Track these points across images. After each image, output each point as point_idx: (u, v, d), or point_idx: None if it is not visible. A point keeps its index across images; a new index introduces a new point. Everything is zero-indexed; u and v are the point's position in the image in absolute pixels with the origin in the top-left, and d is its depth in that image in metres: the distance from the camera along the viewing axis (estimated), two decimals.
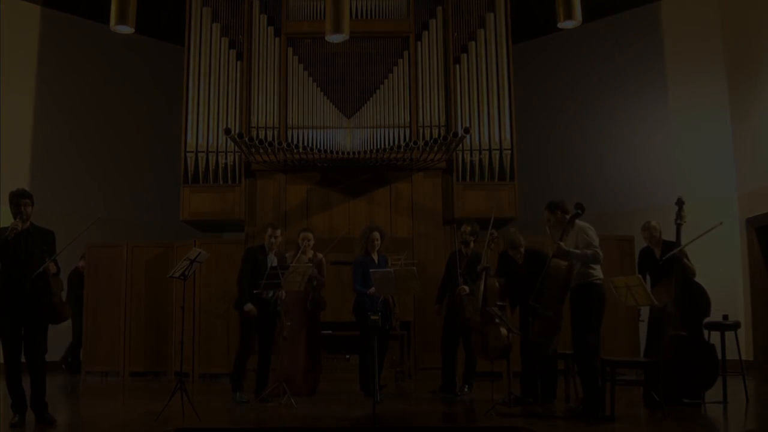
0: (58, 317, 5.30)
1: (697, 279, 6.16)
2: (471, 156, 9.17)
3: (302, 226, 8.63)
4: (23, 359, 5.24)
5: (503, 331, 6.01)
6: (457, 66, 9.39)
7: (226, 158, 9.16)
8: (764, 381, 8.11)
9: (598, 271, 5.49)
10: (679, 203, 6.20)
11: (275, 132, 9.15)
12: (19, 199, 5.31)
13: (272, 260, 6.66)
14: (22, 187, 5.51)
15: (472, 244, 7.12)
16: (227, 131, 8.49)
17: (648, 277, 6.33)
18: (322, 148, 8.96)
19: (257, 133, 9.08)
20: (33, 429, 5.04)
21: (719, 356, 6.08)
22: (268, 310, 6.56)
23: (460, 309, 6.77)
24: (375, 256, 7.02)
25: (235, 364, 6.57)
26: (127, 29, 6.04)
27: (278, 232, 6.75)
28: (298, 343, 6.92)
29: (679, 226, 6.15)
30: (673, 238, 6.19)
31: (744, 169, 9.44)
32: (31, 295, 5.15)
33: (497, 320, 6.00)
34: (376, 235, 7.05)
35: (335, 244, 6.97)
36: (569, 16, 5.90)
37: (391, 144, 9.03)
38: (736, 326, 6.49)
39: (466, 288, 6.78)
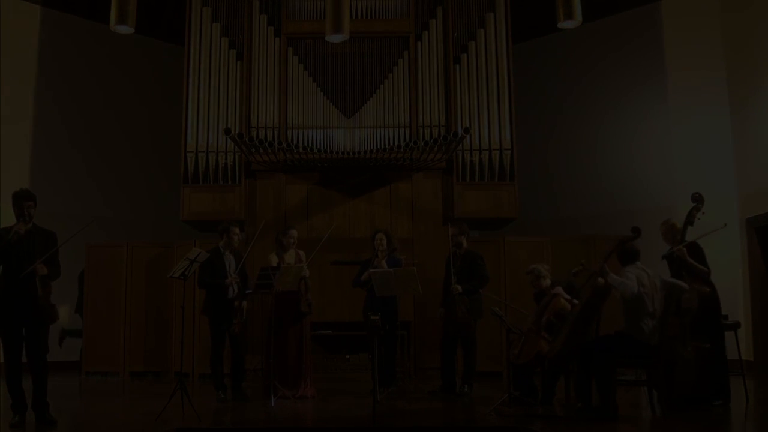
0: (44, 319, 5.24)
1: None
2: (471, 156, 9.16)
3: (302, 226, 8.67)
4: (23, 359, 5.24)
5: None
6: (457, 66, 9.39)
7: (226, 158, 9.16)
8: (764, 381, 8.11)
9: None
10: (696, 199, 6.11)
11: (275, 132, 9.15)
12: (22, 201, 5.26)
13: (229, 259, 6.73)
14: (25, 188, 5.47)
15: (465, 243, 7.16)
16: (227, 131, 8.49)
17: None
18: (322, 148, 8.95)
19: (257, 133, 9.07)
20: (33, 429, 5.04)
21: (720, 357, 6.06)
22: (231, 308, 6.69)
23: (453, 308, 6.81)
24: (383, 258, 7.05)
25: (210, 367, 6.76)
26: (127, 29, 6.05)
27: (236, 230, 6.87)
28: (290, 343, 6.89)
29: (686, 226, 6.10)
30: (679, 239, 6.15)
31: (744, 169, 9.44)
32: (20, 296, 5.13)
33: (499, 321, 6.07)
34: (380, 236, 7.16)
35: (321, 245, 6.96)
36: (569, 16, 5.91)
37: (391, 144, 9.03)
38: (736, 326, 6.47)
39: (459, 287, 6.84)
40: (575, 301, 6.14)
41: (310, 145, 8.96)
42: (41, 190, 9.67)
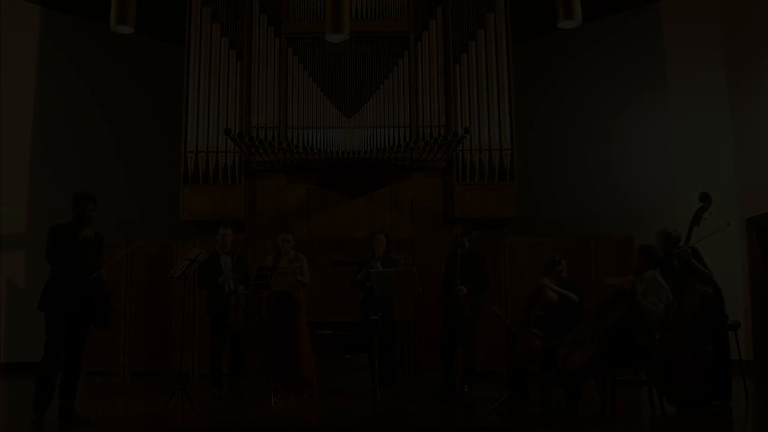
0: (107, 323, 5.44)
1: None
2: (471, 156, 9.17)
3: (302, 226, 8.70)
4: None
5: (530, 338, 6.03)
6: (457, 66, 9.39)
7: (226, 158, 9.16)
8: (764, 381, 8.10)
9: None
10: (703, 199, 6.04)
11: (275, 132, 9.15)
12: (85, 203, 5.34)
13: (225, 261, 6.74)
14: (85, 190, 5.51)
15: (467, 244, 7.15)
16: (227, 131, 8.49)
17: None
18: (322, 148, 8.96)
19: (257, 133, 9.07)
20: (51, 427, 5.04)
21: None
22: (228, 306, 6.73)
23: (457, 309, 6.81)
24: (378, 260, 7.05)
25: (209, 365, 6.83)
26: (127, 29, 6.06)
27: (229, 231, 6.88)
28: (288, 343, 6.89)
29: (692, 226, 6.06)
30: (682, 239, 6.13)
31: (744, 169, 9.43)
32: (86, 299, 5.23)
33: (499, 320, 6.07)
34: (380, 237, 7.15)
35: (318, 250, 6.99)
36: (569, 16, 5.91)
37: (391, 144, 9.03)
38: (736, 326, 6.46)
39: (464, 288, 6.82)
40: (572, 296, 6.10)
41: (310, 145, 8.96)
42: (41, 190, 9.74)
